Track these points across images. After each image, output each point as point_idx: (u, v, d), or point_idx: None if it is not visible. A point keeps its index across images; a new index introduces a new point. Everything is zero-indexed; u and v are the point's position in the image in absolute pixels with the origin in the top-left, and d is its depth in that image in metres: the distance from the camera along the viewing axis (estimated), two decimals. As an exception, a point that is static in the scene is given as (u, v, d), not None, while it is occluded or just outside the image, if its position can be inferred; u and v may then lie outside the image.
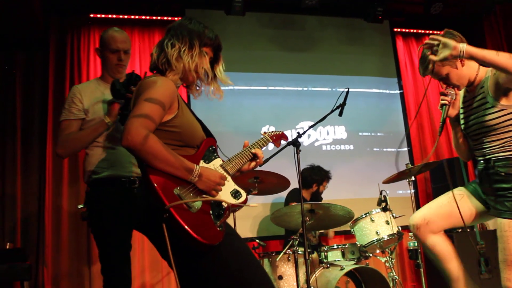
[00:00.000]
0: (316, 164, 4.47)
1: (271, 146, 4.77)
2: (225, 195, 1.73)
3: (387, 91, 5.63)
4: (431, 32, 5.71)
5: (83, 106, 2.46)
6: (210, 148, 1.81)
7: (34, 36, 4.65)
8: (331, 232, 4.59)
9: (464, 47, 2.01)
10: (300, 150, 2.74)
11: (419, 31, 5.93)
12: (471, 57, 2.03)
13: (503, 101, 2.17)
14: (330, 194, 4.66)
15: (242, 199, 1.77)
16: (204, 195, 1.65)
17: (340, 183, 4.93)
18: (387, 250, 3.65)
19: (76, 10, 4.82)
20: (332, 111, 2.91)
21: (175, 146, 1.68)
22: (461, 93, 2.41)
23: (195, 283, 1.66)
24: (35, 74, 4.69)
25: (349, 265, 3.39)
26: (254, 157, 1.95)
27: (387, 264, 3.61)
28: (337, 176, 4.68)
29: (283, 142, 2.27)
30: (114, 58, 2.52)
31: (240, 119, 5.03)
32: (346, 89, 2.89)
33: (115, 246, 2.34)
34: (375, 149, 5.37)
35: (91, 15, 4.86)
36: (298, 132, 2.81)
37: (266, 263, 3.46)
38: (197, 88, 1.90)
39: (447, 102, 2.27)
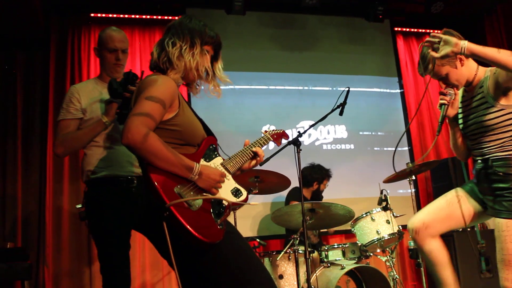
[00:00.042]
0: (317, 163, 4.47)
1: (271, 145, 4.78)
2: (225, 193, 1.73)
3: (388, 90, 5.63)
4: (431, 31, 5.70)
5: (81, 105, 2.45)
6: (211, 147, 1.81)
7: (35, 35, 4.65)
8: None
9: (465, 44, 2.02)
10: (300, 150, 2.74)
11: (420, 30, 5.93)
12: (473, 54, 2.03)
13: (503, 101, 2.17)
14: (331, 194, 4.66)
15: (242, 198, 1.77)
16: (204, 193, 1.65)
17: (340, 183, 4.93)
18: (387, 249, 3.65)
19: (77, 10, 4.82)
20: (333, 110, 2.91)
21: (175, 144, 1.68)
22: (460, 92, 2.41)
23: (196, 282, 1.66)
24: (35, 73, 4.70)
25: (350, 264, 3.39)
26: (255, 155, 1.95)
27: (388, 263, 3.61)
28: (337, 175, 4.68)
29: (283, 141, 2.27)
30: (112, 57, 2.52)
31: (240, 118, 5.03)
32: (347, 89, 2.89)
33: (114, 246, 2.34)
34: (375, 149, 5.37)
35: (92, 15, 4.86)
36: (298, 132, 2.81)
37: (266, 262, 3.46)
38: (197, 86, 1.90)
39: (446, 102, 2.27)
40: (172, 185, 1.56)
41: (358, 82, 5.43)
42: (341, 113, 2.91)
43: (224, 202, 1.69)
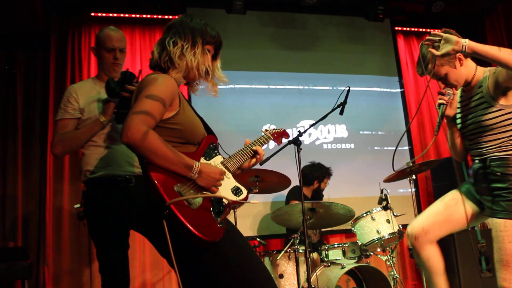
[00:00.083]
0: (317, 162, 4.47)
1: (271, 145, 4.78)
2: (226, 192, 1.73)
3: (388, 90, 5.63)
4: (432, 30, 5.70)
5: (79, 105, 2.45)
6: (211, 146, 1.81)
7: (35, 35, 4.65)
8: None
9: (466, 42, 2.02)
10: (301, 149, 2.75)
11: (420, 29, 5.93)
12: (474, 52, 2.03)
13: (502, 101, 2.17)
14: (331, 193, 4.66)
15: (242, 196, 1.76)
16: (204, 192, 1.65)
17: (340, 182, 4.93)
18: (388, 248, 3.65)
19: (77, 9, 4.82)
20: (333, 109, 2.91)
21: (176, 143, 1.68)
22: (458, 92, 2.41)
23: (196, 280, 1.66)
24: (35, 73, 4.70)
25: (350, 264, 3.39)
26: (255, 154, 1.95)
27: (388, 263, 3.61)
28: (337, 174, 4.68)
29: (284, 140, 2.27)
30: (109, 56, 2.52)
31: (241, 117, 5.03)
32: (347, 88, 2.89)
33: (112, 245, 2.33)
34: (376, 148, 5.37)
35: (92, 14, 4.86)
36: (299, 131, 2.81)
37: (267, 261, 3.46)
38: (196, 85, 1.90)
39: (444, 102, 2.27)
40: (172, 183, 1.56)
41: (359, 81, 5.43)
42: (341, 113, 2.91)
43: (224, 200, 1.69)
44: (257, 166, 2.02)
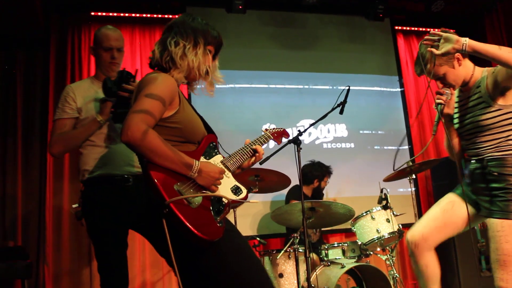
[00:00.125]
0: (317, 160, 4.47)
1: (271, 144, 4.78)
2: (225, 191, 1.73)
3: (388, 89, 5.63)
4: (432, 30, 5.70)
5: (77, 105, 2.45)
6: (211, 145, 1.81)
7: (35, 35, 4.65)
8: None
9: (467, 40, 2.03)
10: (301, 148, 2.74)
11: (420, 29, 5.92)
12: (474, 51, 2.03)
13: (500, 101, 2.17)
14: (331, 192, 4.66)
15: (242, 196, 1.76)
16: (204, 191, 1.65)
17: (340, 181, 4.93)
18: (387, 248, 3.65)
19: (77, 9, 4.82)
20: (333, 109, 2.91)
21: (176, 142, 1.68)
22: (455, 92, 2.41)
23: (195, 279, 1.66)
24: (35, 73, 4.69)
25: (350, 263, 3.39)
26: (255, 153, 1.95)
27: (388, 262, 3.61)
28: (337, 174, 4.68)
29: (284, 140, 2.27)
30: (107, 56, 2.51)
31: (241, 117, 5.02)
32: (347, 87, 2.89)
33: (111, 245, 2.33)
34: (375, 147, 5.36)
35: (92, 14, 4.86)
36: (299, 130, 2.81)
37: (266, 261, 3.46)
38: (195, 83, 1.90)
39: (442, 102, 2.28)
40: (172, 182, 1.56)
41: (359, 80, 5.42)
42: (341, 112, 2.91)
43: (224, 199, 1.69)
44: (257, 165, 2.02)
